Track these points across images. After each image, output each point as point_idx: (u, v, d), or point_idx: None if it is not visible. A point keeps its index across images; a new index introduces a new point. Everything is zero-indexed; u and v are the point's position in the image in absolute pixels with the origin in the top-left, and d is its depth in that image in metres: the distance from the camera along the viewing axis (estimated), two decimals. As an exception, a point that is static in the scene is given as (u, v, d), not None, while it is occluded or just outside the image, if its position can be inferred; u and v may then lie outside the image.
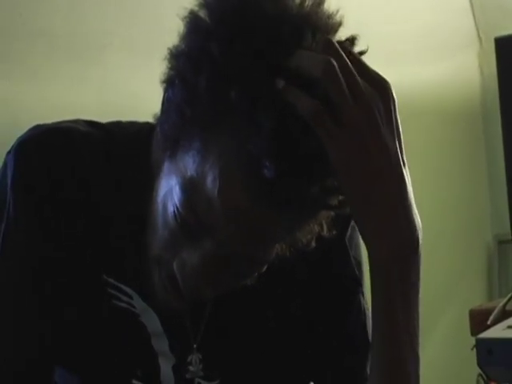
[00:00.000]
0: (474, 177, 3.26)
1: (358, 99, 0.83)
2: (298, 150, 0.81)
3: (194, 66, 0.84)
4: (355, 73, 0.83)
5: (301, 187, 0.83)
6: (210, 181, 0.83)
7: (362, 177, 0.83)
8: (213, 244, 0.87)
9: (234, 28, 0.83)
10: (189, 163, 0.85)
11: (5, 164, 0.97)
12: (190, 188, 0.85)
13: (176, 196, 0.87)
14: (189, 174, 0.85)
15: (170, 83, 0.88)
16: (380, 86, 0.85)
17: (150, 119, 0.99)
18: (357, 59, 0.85)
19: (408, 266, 0.87)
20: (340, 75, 0.82)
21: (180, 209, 0.87)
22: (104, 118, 1.04)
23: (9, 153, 0.97)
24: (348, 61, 0.83)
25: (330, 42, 0.84)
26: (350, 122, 0.82)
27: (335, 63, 0.82)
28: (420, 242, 0.87)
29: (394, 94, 0.86)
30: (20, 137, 0.98)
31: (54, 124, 0.99)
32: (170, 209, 0.88)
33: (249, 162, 0.81)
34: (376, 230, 0.86)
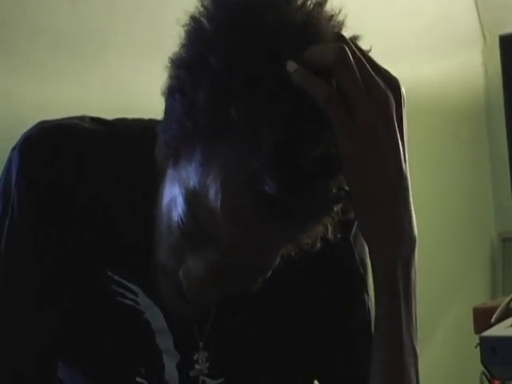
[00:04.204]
0: (478, 175, 3.25)
1: (373, 93, 0.82)
2: (299, 165, 0.80)
3: (193, 78, 0.83)
4: (368, 66, 0.82)
5: (302, 201, 0.82)
6: (213, 194, 0.83)
7: (369, 173, 0.83)
8: (217, 253, 0.87)
9: (233, 41, 0.81)
10: (191, 174, 0.85)
11: (9, 160, 0.97)
12: (193, 199, 0.85)
13: (179, 206, 0.87)
14: (191, 185, 0.85)
15: (170, 93, 0.86)
16: (391, 84, 0.84)
17: (153, 116, 0.99)
18: (367, 55, 0.84)
19: (409, 265, 0.87)
20: (353, 63, 0.81)
21: (184, 219, 0.86)
22: (107, 115, 1.03)
23: (14, 149, 0.97)
24: (360, 54, 0.82)
25: (341, 36, 0.83)
26: (363, 116, 0.81)
27: (348, 51, 0.80)
28: (416, 241, 0.88)
29: (403, 93, 0.85)
30: (25, 133, 0.97)
31: (59, 120, 0.99)
32: (174, 218, 0.88)
33: (250, 177, 0.81)
34: (379, 230, 0.85)
